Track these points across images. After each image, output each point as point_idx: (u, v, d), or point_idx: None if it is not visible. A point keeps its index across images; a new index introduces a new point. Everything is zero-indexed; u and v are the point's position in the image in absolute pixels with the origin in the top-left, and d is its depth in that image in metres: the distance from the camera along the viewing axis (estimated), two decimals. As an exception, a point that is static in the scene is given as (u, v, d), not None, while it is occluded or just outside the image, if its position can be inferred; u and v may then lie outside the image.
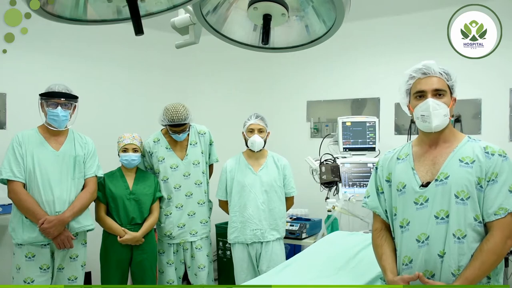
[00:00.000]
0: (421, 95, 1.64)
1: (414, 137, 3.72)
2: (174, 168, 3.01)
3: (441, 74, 1.63)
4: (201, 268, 3.03)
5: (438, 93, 1.61)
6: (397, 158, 1.73)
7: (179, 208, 3.01)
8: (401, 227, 1.64)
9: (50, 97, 2.50)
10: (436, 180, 1.58)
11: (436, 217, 1.55)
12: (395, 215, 1.68)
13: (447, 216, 1.53)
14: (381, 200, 1.77)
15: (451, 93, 1.64)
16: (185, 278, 3.19)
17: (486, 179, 1.53)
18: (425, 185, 1.60)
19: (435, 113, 1.58)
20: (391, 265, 1.65)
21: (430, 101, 1.59)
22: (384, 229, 1.77)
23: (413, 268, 1.58)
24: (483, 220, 1.54)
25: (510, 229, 1.51)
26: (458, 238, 1.51)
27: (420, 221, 1.58)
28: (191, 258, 3.05)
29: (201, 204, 3.06)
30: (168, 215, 3.00)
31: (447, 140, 1.64)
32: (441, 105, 1.59)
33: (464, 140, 1.64)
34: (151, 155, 3.04)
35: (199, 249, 3.04)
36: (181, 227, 3.00)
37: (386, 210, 1.75)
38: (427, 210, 1.57)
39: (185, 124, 2.93)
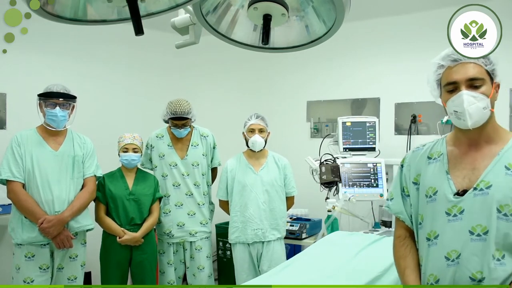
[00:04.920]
0: (453, 87, 1.36)
1: (414, 137, 3.75)
2: (173, 166, 3.01)
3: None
4: (200, 269, 3.03)
5: (474, 84, 1.33)
6: (428, 157, 1.47)
7: (179, 206, 3.01)
8: (428, 239, 1.41)
9: (48, 98, 2.50)
10: (475, 188, 1.33)
11: (472, 233, 1.31)
12: (421, 223, 1.46)
13: (485, 233, 1.29)
14: (406, 204, 1.52)
15: (492, 79, 1.37)
16: (186, 278, 3.19)
17: None
18: (461, 193, 1.35)
19: (471, 108, 1.31)
20: (415, 282, 1.43)
21: (464, 94, 1.32)
22: (409, 237, 1.52)
23: None
24: None
25: None
26: (498, 260, 1.27)
27: (451, 235, 1.34)
28: (190, 258, 3.05)
29: (201, 205, 3.05)
30: (167, 213, 3.01)
31: (490, 139, 1.38)
32: (478, 96, 1.32)
33: (511, 140, 1.37)
34: (152, 148, 3.07)
35: (199, 250, 3.04)
36: (181, 226, 3.00)
37: (411, 216, 1.51)
38: (461, 224, 1.33)
39: (187, 119, 2.94)
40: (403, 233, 1.54)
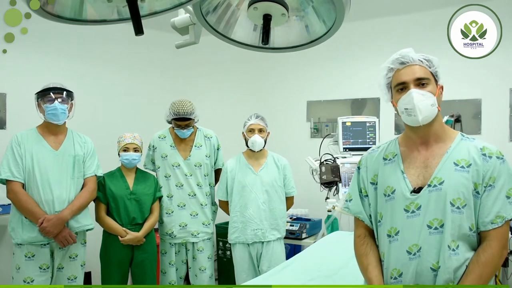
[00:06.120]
0: (402, 87, 1.48)
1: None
2: (176, 167, 3.01)
3: (421, 61, 1.47)
4: (202, 270, 3.02)
5: (421, 83, 1.46)
6: (384, 158, 1.57)
7: (182, 207, 3.01)
8: (389, 236, 1.49)
9: (46, 91, 2.51)
10: (429, 185, 1.43)
11: (429, 227, 1.41)
12: (380, 221, 1.53)
13: (442, 226, 1.40)
14: (365, 204, 1.60)
15: (436, 81, 1.49)
16: (187, 278, 3.20)
17: (483, 185, 1.40)
18: (417, 190, 1.45)
19: (421, 105, 1.42)
20: (379, 278, 1.50)
21: (413, 92, 1.44)
22: (368, 235, 1.60)
23: (403, 282, 1.44)
24: (477, 228, 1.41)
25: (506, 238, 1.41)
26: (453, 250, 1.38)
27: (411, 230, 1.44)
28: (193, 259, 3.06)
29: (204, 206, 3.06)
30: (169, 214, 3.01)
31: (439, 137, 1.49)
32: (426, 94, 1.44)
33: (457, 138, 1.49)
34: (154, 149, 3.07)
35: (201, 251, 3.04)
36: (183, 226, 3.00)
37: (370, 215, 1.59)
38: (419, 219, 1.43)
39: (190, 119, 2.94)
40: (362, 232, 1.61)
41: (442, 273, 1.38)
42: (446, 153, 1.45)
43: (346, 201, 1.66)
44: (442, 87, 1.52)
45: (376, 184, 1.56)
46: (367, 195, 1.60)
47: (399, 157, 1.53)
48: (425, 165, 1.47)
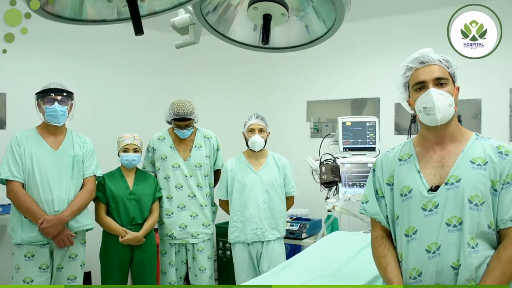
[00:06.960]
0: (421, 86, 1.49)
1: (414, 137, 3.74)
2: (176, 168, 3.01)
3: (441, 61, 1.49)
4: (202, 270, 3.02)
5: (440, 82, 1.47)
6: (399, 159, 1.57)
7: (181, 208, 3.01)
8: (407, 235, 1.48)
9: (46, 93, 2.51)
10: (446, 183, 1.43)
11: (448, 225, 1.40)
12: (396, 222, 1.54)
13: (460, 223, 1.39)
14: (381, 205, 1.60)
15: (453, 82, 1.51)
16: (187, 278, 3.20)
17: (500, 182, 1.40)
18: (434, 189, 1.45)
19: (440, 104, 1.43)
20: (398, 278, 1.49)
21: (433, 91, 1.45)
22: (386, 236, 1.60)
23: (423, 281, 1.43)
24: (496, 226, 1.41)
25: None
26: (473, 248, 1.37)
27: (429, 229, 1.43)
28: (193, 259, 3.06)
29: (204, 206, 3.05)
30: (169, 215, 3.00)
31: (454, 137, 1.50)
32: (444, 94, 1.45)
33: (472, 138, 1.49)
34: (154, 151, 3.07)
35: (201, 251, 3.04)
36: (183, 228, 3.00)
37: (387, 216, 1.60)
38: (437, 217, 1.43)
39: (190, 119, 2.94)
40: (380, 233, 1.62)
41: (463, 271, 1.37)
42: (462, 152, 1.46)
43: (362, 203, 1.67)
44: (458, 88, 1.53)
45: (392, 185, 1.57)
46: (383, 196, 1.60)
47: (414, 157, 1.54)
48: (441, 164, 1.48)
